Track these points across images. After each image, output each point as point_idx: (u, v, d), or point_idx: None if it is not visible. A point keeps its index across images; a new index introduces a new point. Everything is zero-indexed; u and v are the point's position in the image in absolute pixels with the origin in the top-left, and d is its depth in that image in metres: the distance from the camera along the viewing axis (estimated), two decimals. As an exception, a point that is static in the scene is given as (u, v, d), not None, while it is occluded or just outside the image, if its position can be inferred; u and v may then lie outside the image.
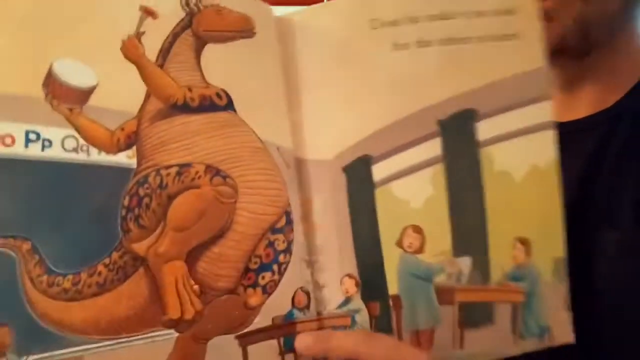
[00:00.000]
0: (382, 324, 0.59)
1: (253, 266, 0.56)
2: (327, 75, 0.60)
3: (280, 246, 0.57)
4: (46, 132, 0.49)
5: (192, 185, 0.53)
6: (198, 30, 0.55)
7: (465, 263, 0.60)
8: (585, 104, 0.73)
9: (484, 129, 0.61)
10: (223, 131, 0.55)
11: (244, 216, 0.55)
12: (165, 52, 0.54)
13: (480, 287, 0.60)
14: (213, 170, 0.54)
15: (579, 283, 0.60)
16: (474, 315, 0.60)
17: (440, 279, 0.60)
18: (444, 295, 0.60)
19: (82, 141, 0.51)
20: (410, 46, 0.60)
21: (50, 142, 0.50)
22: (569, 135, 0.63)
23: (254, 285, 0.56)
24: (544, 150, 0.61)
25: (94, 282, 0.50)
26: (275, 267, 0.57)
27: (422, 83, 0.60)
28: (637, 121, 0.67)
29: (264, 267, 0.57)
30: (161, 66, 0.53)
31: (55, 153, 0.50)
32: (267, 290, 0.57)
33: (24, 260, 0.49)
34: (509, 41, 0.61)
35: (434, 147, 0.60)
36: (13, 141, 0.49)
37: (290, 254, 0.58)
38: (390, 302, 0.59)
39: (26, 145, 0.49)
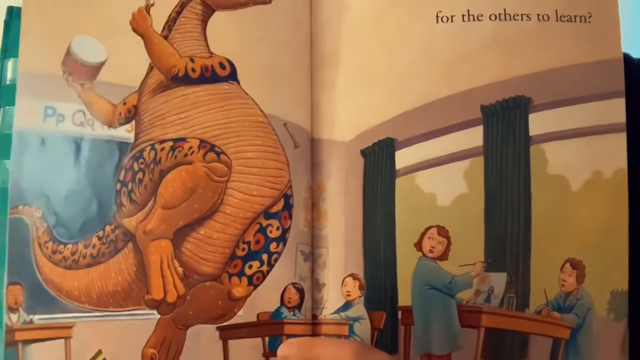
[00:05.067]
0: (385, 339, 0.49)
1: (240, 253, 0.50)
2: (356, 46, 0.52)
3: (274, 233, 0.50)
4: (61, 107, 0.52)
5: (184, 161, 0.50)
6: None
7: (499, 280, 0.49)
8: None
9: (538, 123, 0.50)
10: (222, 104, 0.51)
11: (235, 197, 0.50)
12: (171, 22, 0.52)
13: (516, 313, 0.49)
14: (207, 146, 0.50)
15: None
16: (503, 347, 0.49)
17: (465, 295, 0.49)
18: (468, 316, 0.49)
19: (88, 116, 0.51)
20: (456, 19, 0.51)
21: (63, 116, 0.52)
22: None
23: (240, 274, 0.50)
24: (612, 156, 0.50)
25: (88, 254, 0.51)
26: (264, 256, 0.50)
27: (466, 62, 0.51)
28: None
29: (252, 256, 0.50)
30: (166, 37, 0.52)
31: (66, 127, 0.51)
32: (254, 282, 0.50)
33: (35, 227, 0.50)
34: (579, 23, 0.51)
35: (473, 137, 0.50)
36: (34, 116, 0.51)
37: (285, 243, 0.50)
38: (400, 315, 0.49)
39: (44, 120, 0.51)
